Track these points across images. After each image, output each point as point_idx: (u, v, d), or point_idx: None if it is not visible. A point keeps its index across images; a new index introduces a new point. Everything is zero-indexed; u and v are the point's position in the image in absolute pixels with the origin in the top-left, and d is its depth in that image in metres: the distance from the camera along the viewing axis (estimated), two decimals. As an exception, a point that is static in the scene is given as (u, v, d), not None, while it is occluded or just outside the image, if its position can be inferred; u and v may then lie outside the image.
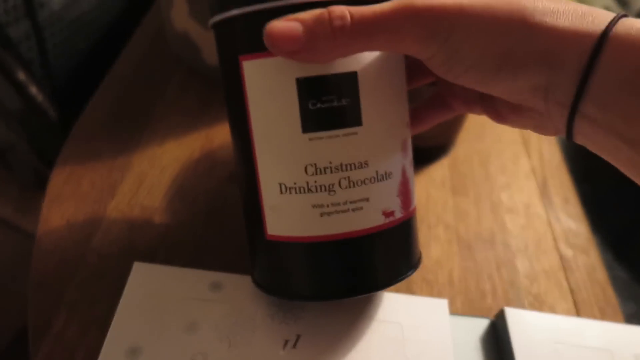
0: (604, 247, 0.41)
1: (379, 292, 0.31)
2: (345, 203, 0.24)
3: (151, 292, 0.29)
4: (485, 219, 0.39)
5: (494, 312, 0.33)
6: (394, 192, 0.25)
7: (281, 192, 0.24)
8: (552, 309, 0.34)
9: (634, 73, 0.17)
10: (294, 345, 0.28)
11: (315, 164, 0.23)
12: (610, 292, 0.36)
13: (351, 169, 0.23)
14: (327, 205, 0.23)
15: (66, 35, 0.80)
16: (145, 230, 0.33)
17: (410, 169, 0.26)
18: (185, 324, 0.27)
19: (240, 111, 0.24)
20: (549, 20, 0.18)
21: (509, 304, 0.33)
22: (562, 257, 0.37)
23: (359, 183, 0.24)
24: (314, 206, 0.24)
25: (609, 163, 0.20)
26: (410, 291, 0.33)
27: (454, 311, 0.33)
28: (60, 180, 0.35)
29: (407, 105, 0.26)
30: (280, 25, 0.20)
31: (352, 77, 0.22)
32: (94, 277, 0.30)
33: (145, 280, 0.29)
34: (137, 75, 0.45)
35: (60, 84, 0.83)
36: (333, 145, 0.23)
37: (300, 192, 0.24)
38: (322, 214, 0.24)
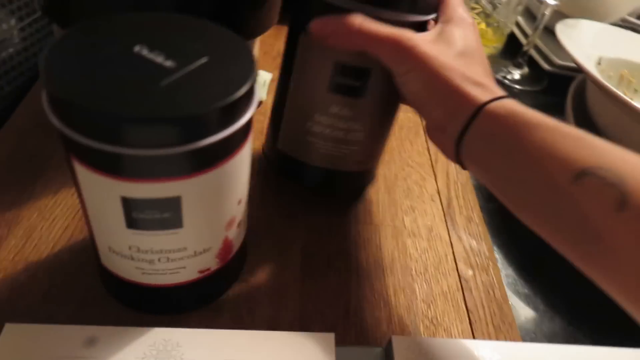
0: (509, 264, 0.41)
1: (261, 332, 0.30)
2: (164, 270, 0.29)
3: (22, 354, 0.28)
4: (386, 245, 0.39)
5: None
6: (212, 257, 0.30)
7: (109, 251, 0.28)
8: (448, 331, 0.34)
9: (489, 129, 0.28)
10: (170, 397, 0.27)
11: (138, 247, 0.27)
12: (507, 309, 0.36)
13: (170, 252, 0.28)
14: (148, 270, 0.29)
15: (-12, 81, 0.79)
16: (28, 288, 0.32)
17: (236, 230, 0.31)
18: (55, 385, 0.27)
19: (80, 195, 0.27)
20: (465, 88, 0.29)
21: (404, 330, 0.34)
22: (461, 277, 0.38)
23: (177, 259, 0.28)
24: (136, 268, 0.29)
25: None
26: (304, 326, 0.33)
27: (348, 343, 0.32)
28: (-60, 240, 0.34)
29: (240, 195, 0.30)
30: (321, 20, 0.31)
31: (175, 200, 0.25)
32: (-33, 341, 0.29)
33: (16, 342, 0.28)
34: (35, 125, 0.44)
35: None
36: (154, 239, 0.27)
37: (125, 258, 0.28)
38: (143, 273, 0.29)
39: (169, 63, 0.24)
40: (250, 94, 0.25)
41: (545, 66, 0.66)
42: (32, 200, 0.38)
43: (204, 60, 0.24)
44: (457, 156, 0.30)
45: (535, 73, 0.67)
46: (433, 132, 0.32)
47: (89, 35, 0.25)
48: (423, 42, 0.30)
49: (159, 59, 0.24)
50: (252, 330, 0.31)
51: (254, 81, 0.25)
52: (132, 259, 0.28)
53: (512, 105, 0.28)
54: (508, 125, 0.27)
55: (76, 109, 0.21)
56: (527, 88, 0.65)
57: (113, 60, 0.24)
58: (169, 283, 0.30)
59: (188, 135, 0.22)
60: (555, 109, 0.58)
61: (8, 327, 0.29)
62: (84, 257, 0.34)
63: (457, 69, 0.29)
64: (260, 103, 0.51)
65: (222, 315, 0.33)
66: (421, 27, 0.33)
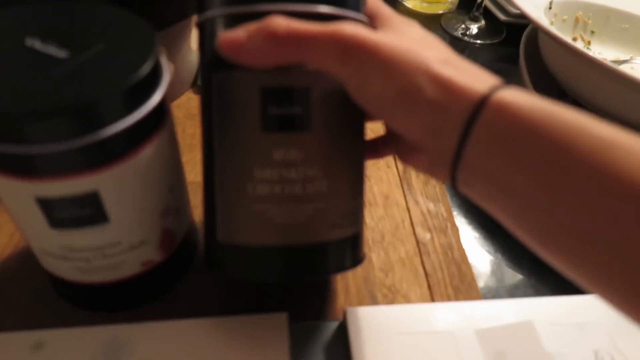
0: (469, 223, 0.41)
1: (213, 319, 0.30)
2: (102, 267, 0.28)
3: (-33, 366, 0.27)
4: (342, 217, 0.39)
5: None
6: (154, 249, 0.29)
7: (43, 253, 0.28)
8: (406, 297, 0.34)
9: (506, 129, 0.20)
10: (120, 393, 0.27)
11: (69, 246, 0.27)
12: (466, 268, 0.36)
13: (104, 248, 0.27)
14: (87, 268, 0.28)
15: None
16: (-24, 297, 0.32)
17: (174, 219, 0.30)
18: (1, 394, 0.26)
19: None
20: (447, 73, 0.21)
21: (362, 301, 0.33)
22: (419, 242, 0.37)
23: (114, 255, 0.28)
24: (74, 267, 0.28)
25: None
26: (260, 308, 0.32)
27: (305, 318, 0.32)
28: None
29: (170, 182, 0.28)
30: (228, 33, 0.23)
31: (93, 195, 0.24)
32: None
33: (-39, 354, 0.28)
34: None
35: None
36: (83, 237, 0.26)
37: (60, 259, 0.28)
38: (82, 272, 0.28)
39: (62, 53, 0.23)
40: (154, 76, 0.24)
41: (501, 17, 0.65)
42: (-24, 211, 0.37)
43: (100, 47, 0.23)
44: (454, 174, 0.22)
45: (493, 25, 0.66)
46: (411, 151, 0.25)
47: None
48: (368, 31, 0.23)
49: (51, 50, 0.23)
50: (204, 318, 0.30)
51: (156, 63, 0.24)
52: (67, 259, 0.27)
53: (528, 97, 0.20)
54: (533, 125, 0.19)
55: None
56: (487, 41, 0.64)
57: (4, 56, 0.22)
58: (113, 279, 0.29)
59: (88, 125, 0.22)
60: (513, 60, 0.57)
61: (-49, 340, 0.28)
62: (32, 262, 0.34)
63: (426, 51, 0.22)
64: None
65: (178, 306, 0.32)
66: None
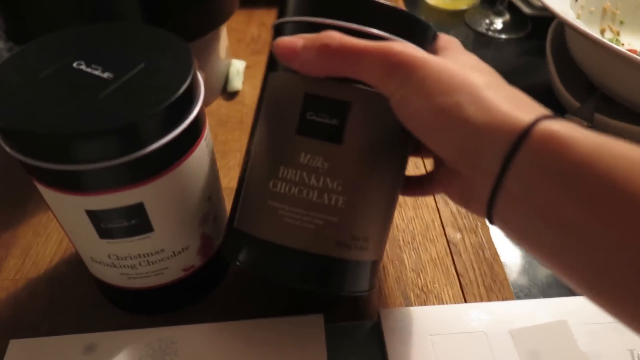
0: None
1: (252, 321, 0.31)
2: (147, 273, 0.30)
3: (27, 368, 0.29)
4: (372, 218, 0.39)
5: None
6: (194, 255, 0.31)
7: (92, 261, 0.30)
8: (439, 297, 0.34)
9: (555, 160, 0.19)
10: (167, 392, 0.28)
11: (116, 255, 0.28)
12: (498, 268, 0.36)
13: (149, 256, 0.29)
14: (132, 274, 0.30)
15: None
16: (29, 303, 0.34)
17: (212, 225, 0.31)
18: (59, 394, 0.28)
19: (50, 210, 0.28)
20: (491, 96, 0.21)
21: (394, 302, 0.34)
22: (449, 242, 0.38)
23: (157, 261, 0.29)
24: (121, 274, 0.30)
25: None
26: (297, 310, 0.33)
27: (339, 319, 0.33)
28: (-56, 269, 0.36)
29: (208, 192, 0.30)
30: (287, 38, 0.25)
31: (139, 206, 0.26)
32: (-22, 361, 0.31)
33: (20, 357, 0.30)
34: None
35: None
36: (129, 245, 0.28)
37: (108, 266, 0.29)
38: (128, 278, 0.30)
39: (107, 74, 0.24)
40: (190, 94, 0.25)
41: (526, 10, 0.64)
42: (25, 220, 0.39)
43: (141, 66, 0.25)
44: (492, 203, 0.21)
45: (518, 19, 0.65)
46: (449, 177, 0.25)
47: (29, 58, 0.26)
48: (417, 50, 0.23)
49: (97, 72, 0.24)
50: (244, 320, 0.32)
51: (192, 81, 0.25)
52: (114, 266, 0.29)
53: (578, 128, 0.20)
54: (586, 157, 0.18)
55: (21, 135, 0.22)
56: (512, 36, 0.63)
57: (53, 79, 0.24)
58: (156, 284, 0.31)
59: (132, 143, 0.23)
60: (540, 54, 0.57)
61: (12, 343, 0.30)
62: (80, 268, 0.36)
63: (474, 74, 0.22)
64: (236, 93, 0.51)
65: (216, 308, 0.34)
66: None
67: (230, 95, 0.51)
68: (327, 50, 0.23)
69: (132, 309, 0.33)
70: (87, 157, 0.23)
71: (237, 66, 0.51)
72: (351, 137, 0.26)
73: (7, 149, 0.23)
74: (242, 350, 0.30)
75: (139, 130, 0.23)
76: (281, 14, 0.27)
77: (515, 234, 0.22)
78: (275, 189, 0.26)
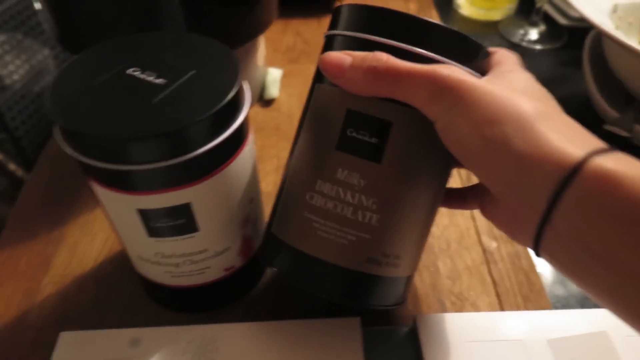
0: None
1: (290, 322, 0.32)
2: (190, 272, 0.31)
3: (76, 359, 0.31)
4: (407, 225, 0.40)
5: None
6: (235, 255, 0.32)
7: (139, 259, 0.31)
8: (475, 306, 0.34)
9: (609, 200, 0.18)
10: (208, 388, 0.29)
11: (162, 253, 0.29)
12: (535, 277, 0.36)
13: (192, 255, 0.30)
14: (176, 273, 0.31)
15: (32, 110, 0.85)
16: (77, 298, 0.35)
17: (253, 227, 0.32)
18: (105, 385, 0.29)
19: (104, 211, 0.29)
20: (541, 127, 0.20)
21: (430, 308, 0.34)
22: (485, 250, 0.38)
23: (200, 261, 0.30)
24: (165, 272, 0.31)
25: None
26: (332, 312, 0.34)
27: (375, 323, 0.33)
28: (-2, 264, 0.38)
29: (250, 194, 0.31)
30: (335, 54, 0.25)
31: (186, 206, 0.27)
32: (30, 351, 0.32)
33: (70, 349, 0.31)
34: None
35: (35, 156, 0.88)
36: (175, 244, 0.29)
37: (154, 264, 0.30)
38: (172, 276, 0.31)
39: (159, 80, 0.25)
40: (237, 100, 0.26)
41: (562, 21, 0.64)
42: (73, 219, 0.41)
43: (192, 73, 0.26)
44: (538, 238, 0.21)
45: (553, 29, 0.65)
46: (494, 204, 0.25)
47: (88, 64, 0.27)
48: (465, 74, 0.22)
49: (150, 78, 0.26)
50: (281, 320, 0.32)
51: (240, 88, 0.26)
52: (160, 264, 0.30)
53: (634, 163, 0.19)
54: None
55: (81, 137, 0.24)
56: (547, 47, 0.63)
57: (109, 85, 0.25)
58: (198, 283, 0.32)
59: (183, 145, 0.24)
60: (576, 65, 0.56)
61: (62, 335, 0.32)
62: (124, 266, 0.37)
63: (524, 101, 0.21)
64: (272, 101, 0.52)
65: (254, 308, 0.35)
66: None
67: (266, 102, 0.52)
68: (374, 72, 0.23)
69: (174, 306, 0.34)
70: (141, 159, 0.24)
71: (274, 74, 0.53)
72: (390, 157, 0.26)
73: (68, 150, 0.25)
74: (280, 350, 0.31)
75: (190, 133, 0.24)
76: (333, 25, 0.28)
77: (564, 270, 0.21)
78: (312, 202, 0.27)
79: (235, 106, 0.26)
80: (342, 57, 0.24)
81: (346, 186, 0.26)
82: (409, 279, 0.29)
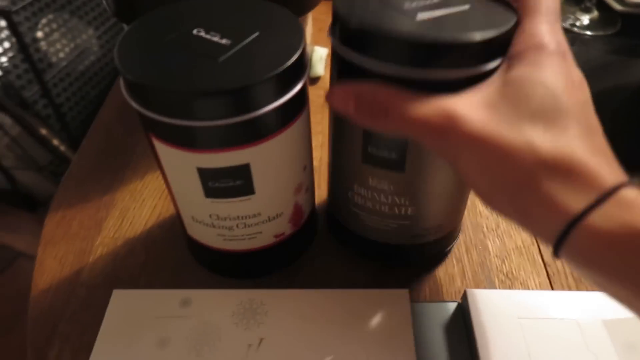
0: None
1: (338, 290, 0.32)
2: (242, 236, 0.31)
3: (128, 315, 0.31)
4: (454, 204, 0.39)
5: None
6: (285, 222, 0.32)
7: (193, 221, 0.31)
8: (525, 285, 0.34)
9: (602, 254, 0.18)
10: (257, 349, 0.29)
11: (217, 215, 0.30)
12: (587, 260, 0.35)
13: (246, 218, 0.30)
14: (228, 236, 0.31)
15: (76, 88, 0.87)
16: (128, 260, 0.36)
17: (304, 195, 0.33)
18: (158, 340, 0.30)
19: (162, 171, 0.30)
20: (546, 187, 0.19)
21: (478, 285, 0.34)
22: (535, 231, 0.37)
23: (253, 225, 0.31)
24: (218, 235, 0.31)
25: None
26: (378, 284, 0.34)
27: (422, 298, 0.33)
28: (53, 224, 0.39)
29: (304, 161, 0.31)
30: (338, 96, 0.24)
31: (245, 167, 0.27)
32: (83, 308, 0.33)
33: (123, 306, 0.32)
34: (119, 119, 0.49)
35: (77, 132, 0.90)
36: (231, 206, 0.29)
37: (207, 226, 0.31)
38: (224, 239, 0.32)
39: (224, 41, 0.26)
40: (301, 62, 0.26)
41: (617, 6, 0.61)
42: (123, 185, 0.42)
43: (256, 35, 0.26)
44: (557, 255, 0.20)
45: (607, 15, 0.62)
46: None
47: (153, 25, 0.28)
48: (471, 110, 0.20)
49: (215, 38, 0.26)
50: (331, 289, 0.32)
51: (304, 50, 0.26)
52: (213, 226, 0.30)
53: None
54: None
55: (149, 90, 0.24)
56: (599, 33, 0.61)
57: (176, 43, 0.26)
58: (248, 248, 0.32)
59: (247, 104, 0.24)
60: (631, 53, 0.54)
61: (115, 293, 0.32)
62: (172, 232, 0.38)
63: (528, 146, 0.19)
64: (318, 78, 0.52)
65: (300, 277, 0.35)
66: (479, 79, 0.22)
67: (312, 80, 0.52)
68: (379, 113, 0.22)
69: (221, 271, 0.35)
70: (205, 115, 0.24)
71: (320, 53, 0.52)
72: (412, 165, 0.27)
73: (133, 104, 0.25)
74: (329, 318, 0.31)
75: (256, 92, 0.24)
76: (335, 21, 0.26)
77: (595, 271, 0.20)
78: (354, 200, 0.31)
79: (299, 68, 0.26)
80: (346, 99, 0.23)
81: (379, 191, 0.29)
82: (456, 229, 0.34)
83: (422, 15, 0.23)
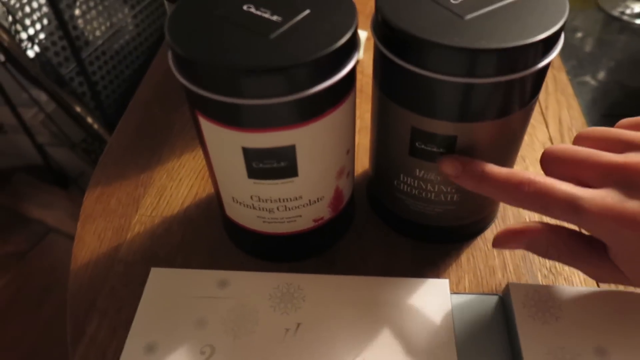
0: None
1: (377, 277, 0.32)
2: (282, 219, 0.31)
3: (166, 294, 0.32)
4: (496, 194, 0.38)
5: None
6: (325, 206, 0.32)
7: (233, 201, 0.31)
8: (568, 280, 0.33)
9: None
10: (295, 333, 0.29)
11: (258, 196, 0.29)
12: (636, 258, 0.34)
13: (288, 201, 0.30)
14: (268, 218, 0.31)
15: (111, 66, 0.88)
16: (165, 238, 0.36)
17: (345, 180, 0.32)
18: (195, 320, 0.30)
19: (204, 150, 0.30)
20: None
21: (520, 279, 0.33)
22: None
23: (294, 208, 0.30)
24: (257, 217, 0.31)
25: None
26: (415, 272, 0.33)
27: (461, 290, 0.32)
28: (91, 201, 0.39)
29: (347, 145, 0.31)
30: (449, 159, 0.28)
31: (291, 148, 0.27)
32: (121, 284, 0.34)
33: (161, 284, 0.32)
34: (157, 98, 0.49)
35: (111, 111, 0.91)
36: (273, 188, 0.29)
37: (248, 207, 0.30)
38: (264, 222, 0.31)
39: (275, 17, 0.25)
40: (352, 42, 0.25)
41: (676, -7, 0.59)
42: (160, 164, 0.42)
43: (307, 13, 0.25)
44: None
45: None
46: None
47: (201, 1, 0.27)
48: (594, 196, 0.23)
49: (266, 14, 0.25)
50: (369, 276, 0.32)
51: (356, 30, 0.25)
52: (254, 208, 0.30)
53: None
54: None
55: (198, 65, 0.23)
56: (653, 21, 0.58)
57: (226, 19, 0.25)
58: (287, 231, 0.32)
59: (297, 83, 0.24)
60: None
61: (153, 270, 0.33)
62: (208, 212, 0.38)
63: None
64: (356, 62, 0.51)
65: (337, 263, 0.34)
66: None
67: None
68: (478, 183, 0.26)
69: (259, 254, 0.35)
70: (254, 93, 0.24)
71: (359, 36, 0.51)
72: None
73: (181, 79, 0.25)
74: (367, 305, 0.30)
75: (306, 71, 0.23)
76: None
77: None
78: (400, 187, 0.32)
79: (350, 48, 0.25)
80: (455, 164, 0.27)
81: (426, 181, 0.30)
82: (497, 207, 0.36)
83: (470, 15, 0.24)
